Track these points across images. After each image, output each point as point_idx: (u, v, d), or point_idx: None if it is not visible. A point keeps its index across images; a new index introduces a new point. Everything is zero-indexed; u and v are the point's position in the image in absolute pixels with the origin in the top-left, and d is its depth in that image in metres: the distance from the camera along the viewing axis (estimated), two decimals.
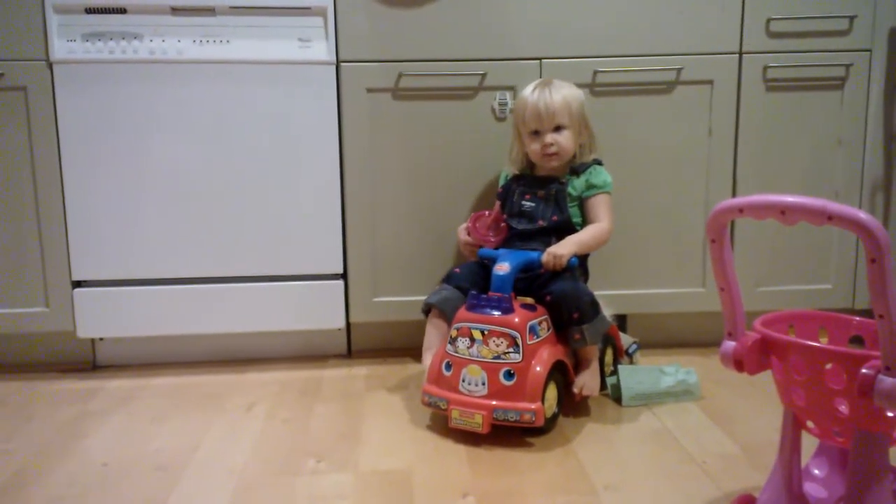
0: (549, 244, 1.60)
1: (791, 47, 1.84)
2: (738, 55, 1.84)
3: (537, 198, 1.67)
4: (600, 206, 1.66)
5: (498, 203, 1.71)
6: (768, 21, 1.83)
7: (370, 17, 1.79)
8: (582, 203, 1.67)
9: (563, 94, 1.64)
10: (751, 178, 1.89)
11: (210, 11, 1.75)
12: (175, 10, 1.74)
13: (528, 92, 1.66)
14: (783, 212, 0.94)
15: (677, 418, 1.56)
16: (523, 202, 1.67)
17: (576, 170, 1.67)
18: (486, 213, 1.72)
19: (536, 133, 1.65)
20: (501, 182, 1.77)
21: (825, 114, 1.89)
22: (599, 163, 1.70)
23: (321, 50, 1.79)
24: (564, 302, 1.51)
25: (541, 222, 1.64)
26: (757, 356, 1.03)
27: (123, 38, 1.74)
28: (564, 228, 1.64)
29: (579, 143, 1.68)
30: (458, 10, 1.80)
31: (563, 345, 1.55)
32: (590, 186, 1.66)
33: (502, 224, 1.69)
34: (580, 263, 1.64)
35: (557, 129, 1.64)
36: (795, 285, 1.94)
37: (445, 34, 1.81)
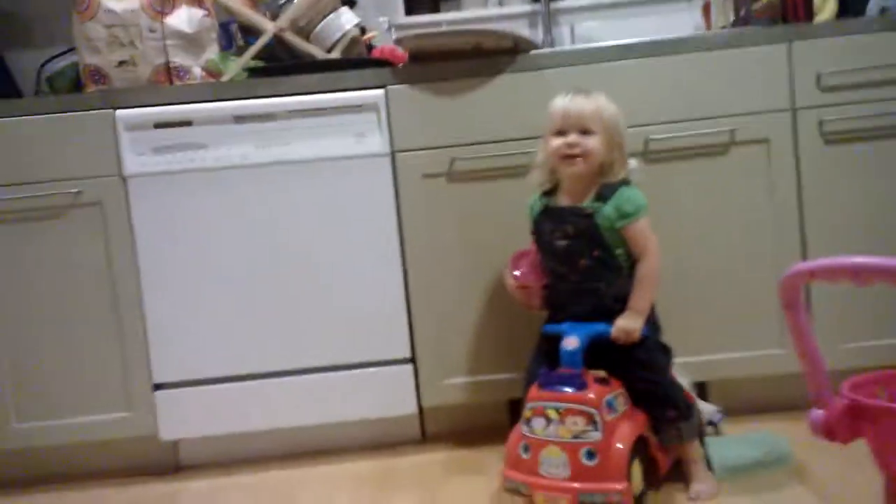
0: (598, 291, 1.54)
1: (845, 100, 1.82)
2: (791, 112, 1.83)
3: (568, 235, 1.56)
4: (640, 235, 1.54)
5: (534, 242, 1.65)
6: (819, 76, 1.82)
7: (420, 107, 1.85)
8: (618, 232, 1.54)
9: (599, 102, 1.55)
10: (820, 234, 1.84)
11: (271, 117, 1.83)
12: (238, 119, 1.83)
13: (562, 95, 1.59)
14: (857, 274, 0.92)
15: (773, 493, 1.49)
16: (555, 242, 1.58)
17: (602, 195, 1.55)
18: (526, 252, 1.68)
19: (561, 133, 1.56)
20: (528, 215, 1.69)
21: (891, 163, 1.85)
22: (626, 183, 1.57)
23: (376, 143, 1.85)
24: (658, 404, 1.50)
25: (583, 261, 1.55)
26: (847, 424, 0.99)
27: (190, 149, 1.83)
28: (610, 266, 1.54)
29: (609, 161, 1.55)
30: (505, 93, 1.84)
31: (643, 417, 1.51)
32: (623, 215, 1.53)
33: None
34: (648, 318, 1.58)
35: (584, 133, 1.54)
36: (882, 339, 1.85)
37: (494, 117, 1.85)
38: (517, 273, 1.66)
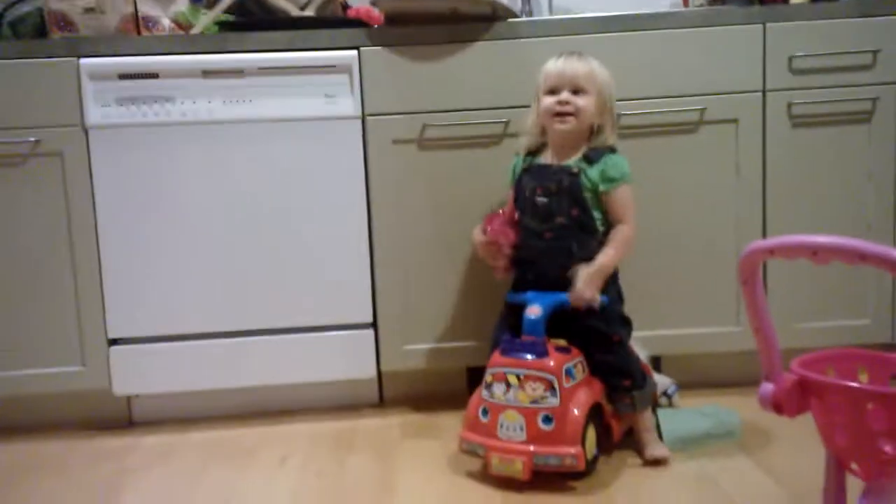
0: (569, 250, 1.55)
1: (815, 83, 1.84)
2: (761, 93, 1.85)
3: (550, 192, 1.57)
4: (620, 202, 1.56)
5: (512, 194, 1.65)
6: (791, 59, 1.83)
7: (394, 71, 1.83)
8: (599, 196, 1.56)
9: (592, 65, 1.59)
10: (781, 214, 1.88)
11: (239, 73, 1.80)
12: (206, 73, 1.79)
13: (556, 56, 1.61)
14: (815, 252, 0.93)
15: (719, 462, 1.53)
16: (536, 198, 1.58)
17: (589, 157, 1.57)
18: (501, 211, 1.66)
19: (554, 92, 1.58)
20: (510, 176, 1.70)
21: (854, 148, 1.87)
22: (614, 150, 1.60)
23: (347, 105, 1.83)
24: (614, 373, 1.53)
25: (559, 219, 1.56)
26: (795, 398, 1.02)
27: (156, 102, 1.79)
28: (586, 227, 1.56)
29: (598, 123, 1.58)
30: (480, 60, 1.83)
31: (599, 385, 1.54)
32: (607, 179, 1.55)
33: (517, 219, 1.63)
34: (612, 282, 1.60)
35: (577, 93, 1.56)
36: (834, 321, 1.90)
37: (468, 84, 1.83)
38: (489, 228, 1.64)
